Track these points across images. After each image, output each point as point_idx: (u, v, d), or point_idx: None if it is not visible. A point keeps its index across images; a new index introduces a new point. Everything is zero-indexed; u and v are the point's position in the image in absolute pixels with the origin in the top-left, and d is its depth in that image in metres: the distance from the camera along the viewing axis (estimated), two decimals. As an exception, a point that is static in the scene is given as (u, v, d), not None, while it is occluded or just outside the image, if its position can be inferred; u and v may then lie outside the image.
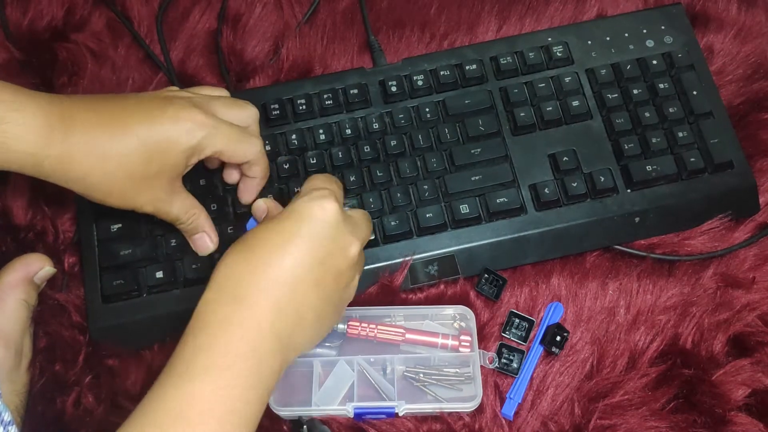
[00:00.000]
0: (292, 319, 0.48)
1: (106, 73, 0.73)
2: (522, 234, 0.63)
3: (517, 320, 0.62)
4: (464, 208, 0.63)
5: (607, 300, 0.63)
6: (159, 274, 0.61)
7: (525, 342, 0.62)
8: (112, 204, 0.55)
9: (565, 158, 0.65)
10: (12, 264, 0.61)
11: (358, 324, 0.60)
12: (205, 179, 0.64)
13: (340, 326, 0.60)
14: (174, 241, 0.62)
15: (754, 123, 0.70)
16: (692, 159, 0.65)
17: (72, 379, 0.60)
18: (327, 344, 0.60)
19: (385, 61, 0.73)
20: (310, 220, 0.50)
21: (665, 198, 0.64)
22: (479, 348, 0.60)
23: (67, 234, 0.66)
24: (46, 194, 0.67)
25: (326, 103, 0.67)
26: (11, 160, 0.50)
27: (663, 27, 0.70)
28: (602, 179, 0.64)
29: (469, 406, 0.58)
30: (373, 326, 0.60)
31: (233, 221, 0.63)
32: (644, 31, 0.70)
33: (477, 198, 0.64)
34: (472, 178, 0.64)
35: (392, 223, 0.63)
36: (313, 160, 0.65)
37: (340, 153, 0.65)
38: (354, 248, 0.52)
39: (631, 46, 0.70)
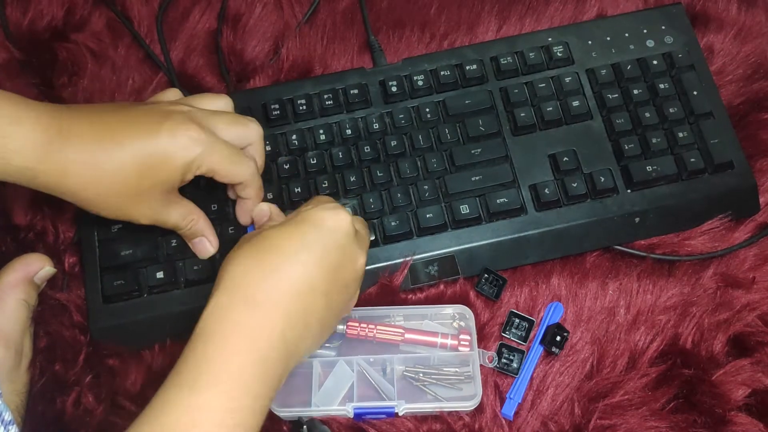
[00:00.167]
0: (300, 328, 0.48)
1: (106, 73, 0.73)
2: (522, 234, 0.63)
3: (517, 320, 0.62)
4: (464, 209, 0.63)
5: (607, 300, 0.63)
6: (159, 275, 0.61)
7: (525, 342, 0.62)
8: (108, 216, 0.55)
9: (565, 158, 0.65)
10: (12, 264, 0.61)
11: (357, 324, 0.60)
12: (207, 180, 0.64)
13: (340, 327, 0.60)
14: (175, 241, 0.62)
15: (754, 123, 0.70)
16: (692, 159, 0.65)
17: (72, 379, 0.60)
18: (326, 345, 0.60)
19: (385, 61, 0.73)
20: (324, 228, 0.50)
21: (665, 198, 0.64)
22: (479, 347, 0.60)
23: (67, 234, 0.66)
24: (47, 195, 0.66)
25: (326, 103, 0.67)
26: (9, 173, 0.50)
27: (663, 27, 0.70)
28: (602, 179, 0.64)
29: (469, 405, 0.58)
30: (372, 326, 0.60)
31: (234, 222, 0.63)
32: (644, 31, 0.70)
33: (477, 198, 0.64)
34: (473, 179, 0.64)
35: (392, 223, 0.63)
36: (313, 160, 0.65)
37: (340, 153, 0.65)
38: (361, 261, 0.53)
39: (632, 46, 0.70)
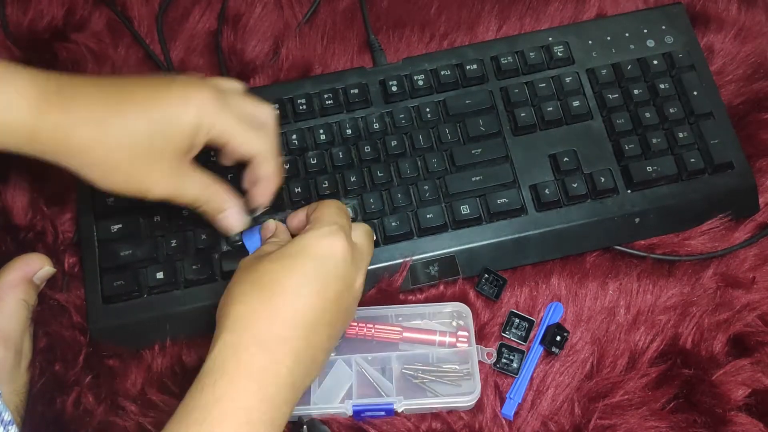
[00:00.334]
0: (307, 363, 0.48)
1: (106, 74, 0.73)
2: (522, 234, 0.63)
3: (517, 320, 0.62)
4: (465, 209, 0.63)
5: (607, 300, 0.63)
6: (159, 275, 0.61)
7: (525, 342, 0.62)
8: (117, 187, 0.51)
9: (565, 158, 0.65)
10: (11, 264, 0.61)
11: (356, 324, 0.60)
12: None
13: (339, 326, 0.60)
14: (174, 241, 0.62)
15: (754, 123, 0.70)
16: (692, 159, 0.65)
17: (72, 379, 0.60)
18: (326, 344, 0.60)
19: (386, 61, 0.73)
20: (321, 258, 0.49)
21: (665, 198, 0.64)
22: (479, 347, 0.60)
23: (67, 234, 0.66)
24: (46, 194, 0.67)
25: (326, 102, 0.67)
26: (5, 133, 0.48)
27: (663, 27, 0.70)
28: (603, 180, 0.64)
29: (468, 402, 0.58)
30: (370, 326, 0.60)
31: (206, 226, 0.61)
32: (645, 31, 0.70)
33: (477, 198, 0.64)
34: (473, 179, 0.64)
35: (393, 223, 0.63)
36: (313, 160, 0.65)
37: (340, 153, 0.65)
38: (359, 281, 0.52)
39: (632, 46, 0.70)
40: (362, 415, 0.58)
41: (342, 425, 0.58)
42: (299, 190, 0.64)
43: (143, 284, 0.61)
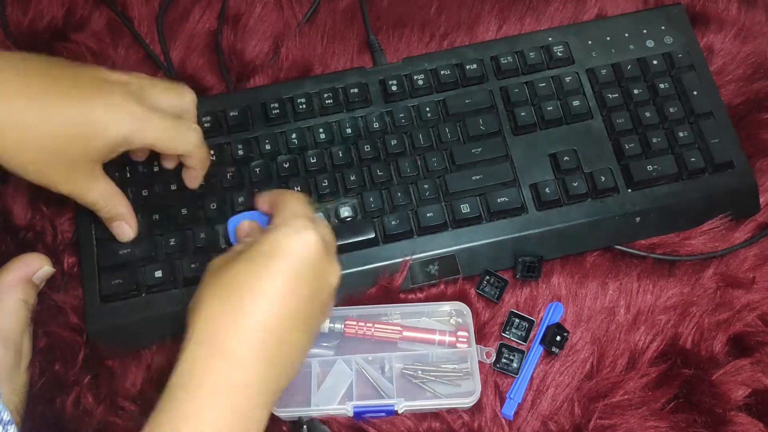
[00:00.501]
0: (282, 367, 0.47)
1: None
2: (523, 234, 0.63)
3: (517, 320, 0.62)
4: (465, 208, 0.63)
5: (607, 300, 0.63)
6: (158, 274, 0.61)
7: (525, 342, 0.62)
8: (27, 179, 0.52)
9: (565, 158, 0.65)
10: (10, 264, 0.60)
11: (355, 323, 0.60)
12: (177, 184, 0.63)
13: (337, 326, 0.60)
14: (173, 240, 0.62)
15: (754, 123, 0.70)
16: (693, 159, 0.65)
17: (72, 379, 0.60)
18: (324, 344, 0.60)
19: (386, 61, 0.73)
20: (292, 258, 0.47)
21: (666, 198, 0.64)
22: (478, 347, 0.60)
23: (66, 234, 0.66)
24: (46, 194, 0.66)
25: (326, 102, 0.67)
26: None
27: (663, 27, 0.70)
28: (603, 179, 0.64)
29: (468, 401, 0.58)
30: (369, 325, 0.60)
31: (206, 225, 0.62)
32: (644, 31, 0.70)
33: (477, 197, 0.64)
34: (473, 178, 0.64)
35: (393, 222, 0.63)
36: (313, 159, 0.65)
37: (340, 152, 0.65)
38: (334, 275, 0.50)
39: (632, 46, 0.70)
40: (363, 415, 0.58)
41: (342, 425, 0.58)
42: (299, 189, 0.64)
43: (141, 283, 0.61)
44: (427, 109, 0.67)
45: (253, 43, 0.75)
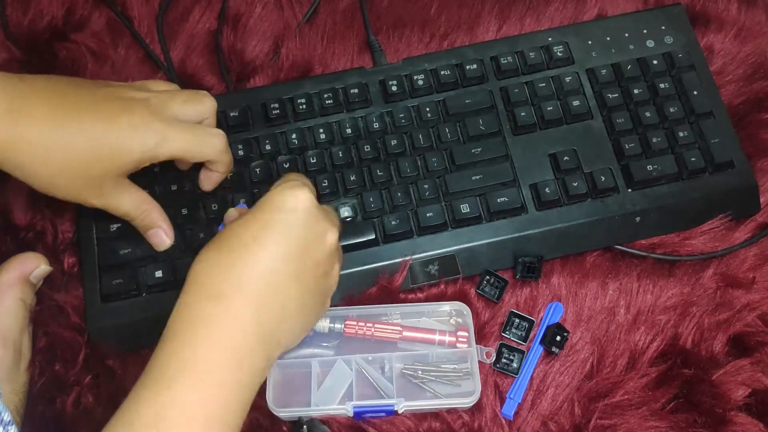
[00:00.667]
0: (275, 314, 0.47)
1: (106, 73, 0.73)
2: (523, 233, 0.63)
3: (517, 320, 0.62)
4: (465, 208, 0.63)
5: (607, 300, 0.63)
6: (158, 274, 0.61)
7: (525, 342, 0.62)
8: (58, 197, 0.54)
9: (565, 158, 0.65)
10: (8, 263, 0.60)
11: (355, 323, 0.60)
12: (177, 184, 0.64)
13: (337, 326, 0.60)
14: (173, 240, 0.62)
15: (754, 123, 0.70)
16: (693, 159, 0.65)
17: (72, 379, 0.60)
18: (324, 344, 0.60)
19: (386, 61, 0.73)
20: (284, 209, 0.49)
21: (666, 198, 0.64)
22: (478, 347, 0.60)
23: (67, 234, 0.66)
24: (46, 195, 0.67)
25: (326, 102, 0.67)
26: None
27: (663, 27, 0.70)
28: (603, 179, 0.64)
29: (468, 401, 0.58)
30: (370, 325, 0.60)
31: (204, 227, 0.63)
32: (644, 31, 0.70)
33: (477, 197, 0.64)
34: (473, 178, 0.64)
35: (393, 222, 0.63)
36: (313, 159, 0.65)
37: (340, 152, 0.65)
38: (331, 236, 0.51)
39: (632, 46, 0.70)
40: (363, 415, 0.58)
41: (342, 425, 0.58)
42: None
43: (142, 283, 0.61)
44: (427, 109, 0.67)
45: (253, 43, 0.75)
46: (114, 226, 0.63)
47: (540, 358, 0.61)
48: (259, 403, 0.56)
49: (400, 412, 0.58)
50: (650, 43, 0.70)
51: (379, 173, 0.64)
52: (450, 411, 0.59)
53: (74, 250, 0.65)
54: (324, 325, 0.60)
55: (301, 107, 0.67)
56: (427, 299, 0.63)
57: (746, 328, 0.62)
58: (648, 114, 0.66)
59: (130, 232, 0.62)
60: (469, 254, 0.63)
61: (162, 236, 0.60)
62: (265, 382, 0.56)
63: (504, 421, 0.59)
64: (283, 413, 0.57)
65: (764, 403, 0.60)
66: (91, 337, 0.61)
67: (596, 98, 0.68)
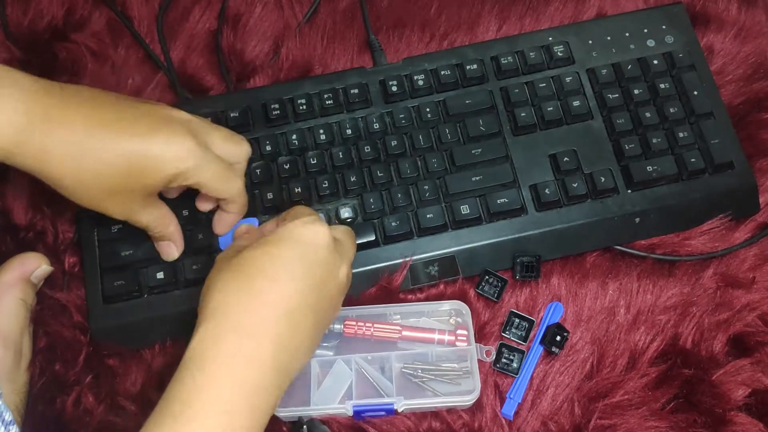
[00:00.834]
0: (292, 350, 0.47)
1: (106, 73, 0.73)
2: (523, 234, 0.63)
3: (517, 320, 0.62)
4: (465, 209, 0.63)
5: (607, 300, 0.63)
6: (160, 275, 0.61)
7: (525, 342, 0.62)
8: (81, 204, 0.54)
9: (565, 158, 0.65)
10: (8, 263, 0.61)
11: (354, 323, 0.60)
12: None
13: (337, 326, 0.60)
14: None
15: (754, 123, 0.70)
16: (693, 159, 0.65)
17: (72, 379, 0.60)
18: (324, 344, 0.60)
19: (386, 61, 0.73)
20: (302, 245, 0.49)
21: (666, 198, 0.64)
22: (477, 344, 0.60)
23: (67, 234, 0.66)
24: (47, 194, 0.67)
25: (326, 102, 0.67)
26: None
27: (664, 27, 0.70)
28: (603, 179, 0.64)
29: (468, 400, 0.58)
30: (369, 324, 0.60)
31: (204, 229, 0.62)
32: (645, 30, 0.70)
33: (477, 198, 0.64)
34: (473, 179, 0.64)
35: (393, 223, 0.63)
36: (313, 160, 0.65)
37: (340, 153, 0.65)
38: (343, 271, 0.52)
39: (632, 46, 0.70)
40: (362, 415, 0.58)
41: (342, 425, 0.58)
42: (299, 190, 0.64)
43: (143, 284, 0.61)
44: (428, 109, 0.67)
45: (253, 43, 0.75)
46: (115, 228, 0.63)
47: (540, 358, 0.61)
48: (259, 404, 0.56)
49: (399, 411, 0.58)
50: (651, 43, 0.70)
51: (379, 174, 0.64)
52: (450, 411, 0.59)
53: (75, 250, 0.65)
54: (325, 325, 0.60)
55: (301, 108, 0.67)
56: (426, 299, 0.63)
57: (746, 328, 0.62)
58: (648, 114, 0.66)
59: (131, 233, 0.62)
60: (469, 255, 0.63)
61: (172, 249, 0.61)
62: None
63: (504, 421, 0.59)
64: (283, 413, 0.57)
65: (764, 403, 0.60)
66: (93, 337, 0.61)
67: (596, 98, 0.68)
